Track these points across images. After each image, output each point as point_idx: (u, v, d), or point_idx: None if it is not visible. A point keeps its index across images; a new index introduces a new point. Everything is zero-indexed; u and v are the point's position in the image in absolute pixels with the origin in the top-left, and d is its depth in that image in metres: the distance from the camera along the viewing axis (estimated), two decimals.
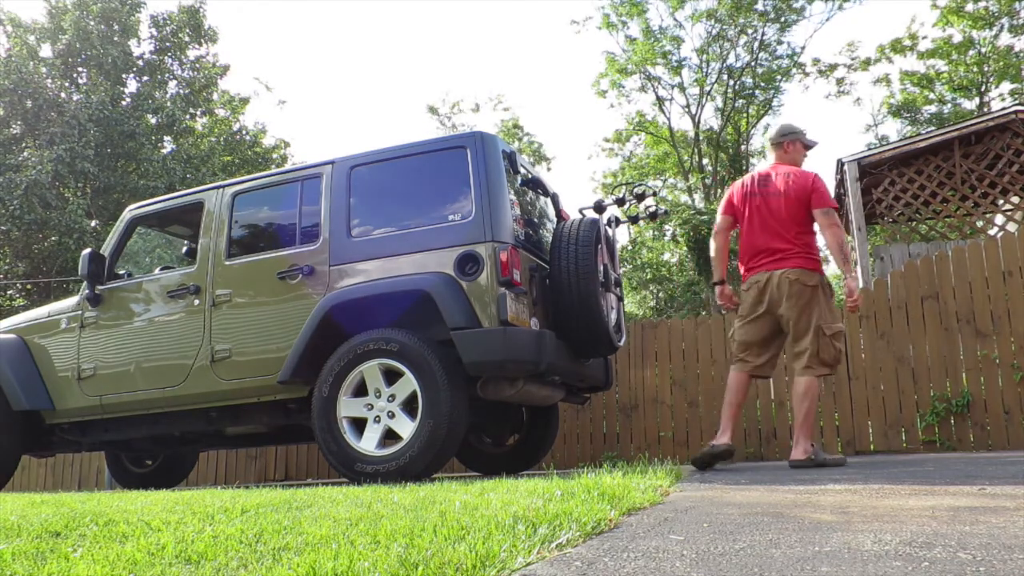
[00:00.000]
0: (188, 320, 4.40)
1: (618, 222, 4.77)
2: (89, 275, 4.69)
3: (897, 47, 23.83)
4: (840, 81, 24.81)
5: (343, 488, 3.10)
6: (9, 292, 16.84)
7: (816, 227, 4.00)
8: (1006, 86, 22.62)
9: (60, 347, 4.78)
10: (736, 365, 4.11)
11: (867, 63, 24.31)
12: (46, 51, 16.90)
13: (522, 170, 4.33)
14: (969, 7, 21.83)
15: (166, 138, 18.16)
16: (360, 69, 57.51)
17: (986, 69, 22.69)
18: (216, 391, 4.27)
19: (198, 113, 19.60)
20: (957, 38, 22.75)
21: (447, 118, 27.29)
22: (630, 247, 22.98)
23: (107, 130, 15.62)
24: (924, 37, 24.05)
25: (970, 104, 23.43)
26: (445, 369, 3.66)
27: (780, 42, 23.24)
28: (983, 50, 22.37)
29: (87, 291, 4.75)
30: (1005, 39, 22.08)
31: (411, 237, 3.98)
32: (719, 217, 4.23)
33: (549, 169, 27.15)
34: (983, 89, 23.13)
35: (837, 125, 52.14)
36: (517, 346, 3.67)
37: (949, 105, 23.93)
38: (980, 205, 9.62)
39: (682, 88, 24.33)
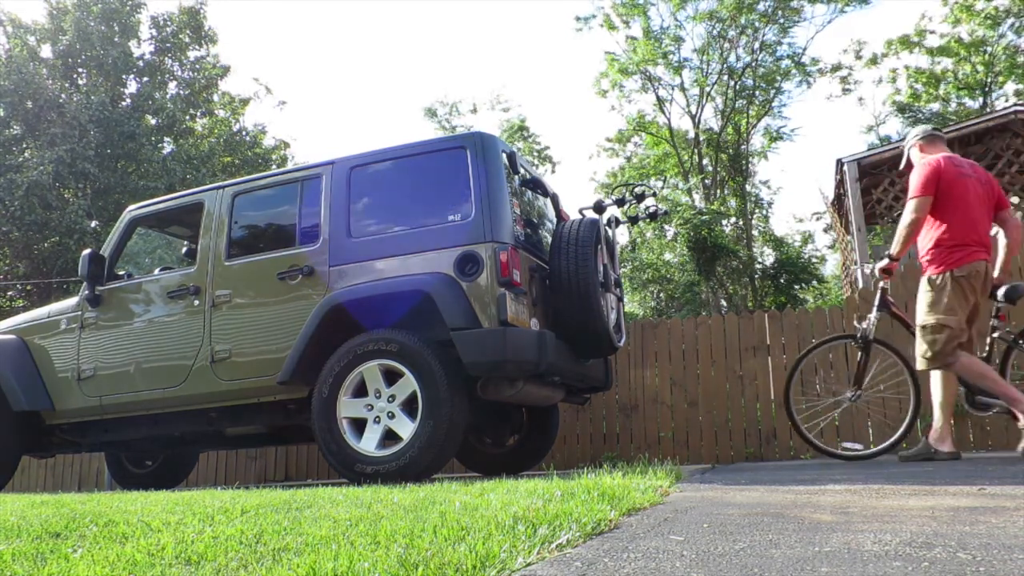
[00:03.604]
0: (188, 321, 4.40)
1: (618, 223, 4.77)
2: (89, 276, 4.69)
3: (905, 43, 23.87)
4: (844, 80, 24.88)
5: (343, 489, 3.10)
6: (9, 293, 16.84)
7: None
8: (1011, 86, 22.66)
9: (60, 348, 4.78)
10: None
11: (874, 60, 24.39)
12: (47, 52, 16.91)
13: (522, 170, 4.33)
14: (979, 5, 21.84)
15: (166, 139, 18.16)
16: (360, 70, 57.55)
17: (992, 69, 22.68)
18: (216, 392, 4.27)
19: (198, 114, 19.61)
20: (965, 36, 22.77)
21: (446, 119, 27.29)
22: (630, 247, 22.98)
23: (107, 131, 15.62)
24: (932, 32, 24.06)
25: (975, 103, 23.45)
26: (445, 369, 3.66)
27: (781, 43, 23.27)
28: (989, 50, 22.38)
29: (87, 292, 4.75)
30: (1011, 39, 22.11)
31: (411, 237, 3.98)
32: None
33: (553, 171, 27.14)
34: (987, 89, 23.13)
35: (838, 125, 52.17)
36: (517, 346, 3.67)
37: (954, 103, 23.96)
38: None
39: (682, 88, 24.35)
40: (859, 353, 4.44)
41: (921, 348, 3.96)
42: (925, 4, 40.08)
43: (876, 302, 4.42)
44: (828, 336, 5.14)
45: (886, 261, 4.13)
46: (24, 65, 15.38)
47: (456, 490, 2.68)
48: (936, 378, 4.02)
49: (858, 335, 4.43)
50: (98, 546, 1.88)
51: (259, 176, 4.69)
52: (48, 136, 14.85)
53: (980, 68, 22.98)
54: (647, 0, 23.20)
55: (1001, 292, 4.04)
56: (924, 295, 3.99)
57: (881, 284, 4.41)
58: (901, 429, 4.39)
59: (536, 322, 3.97)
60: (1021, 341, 4.17)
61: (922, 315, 3.97)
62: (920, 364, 4.00)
